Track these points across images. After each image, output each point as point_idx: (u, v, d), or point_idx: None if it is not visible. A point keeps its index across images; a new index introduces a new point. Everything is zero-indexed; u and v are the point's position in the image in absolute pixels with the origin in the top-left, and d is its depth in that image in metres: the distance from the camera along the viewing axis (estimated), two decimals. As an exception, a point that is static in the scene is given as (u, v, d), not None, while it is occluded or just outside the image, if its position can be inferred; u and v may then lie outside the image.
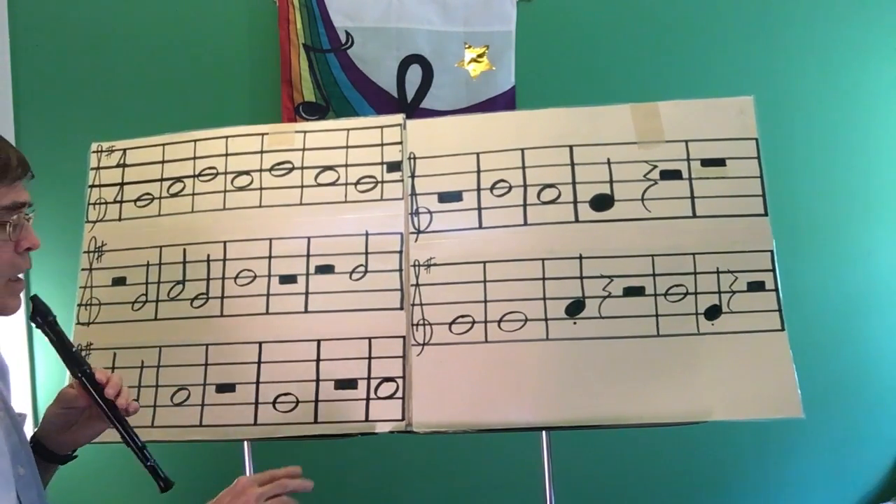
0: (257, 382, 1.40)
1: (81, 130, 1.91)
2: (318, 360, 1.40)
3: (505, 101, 2.05)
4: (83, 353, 1.43)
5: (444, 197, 1.45)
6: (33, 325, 1.10)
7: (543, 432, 1.46)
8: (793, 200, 2.11)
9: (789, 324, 1.35)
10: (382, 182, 1.47)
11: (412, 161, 1.48)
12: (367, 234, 1.45)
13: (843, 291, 2.15)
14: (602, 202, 1.42)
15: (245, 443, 1.49)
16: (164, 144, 1.55)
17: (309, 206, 1.47)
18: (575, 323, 1.37)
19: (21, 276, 1.03)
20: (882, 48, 2.16)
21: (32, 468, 1.06)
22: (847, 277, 2.15)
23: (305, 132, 1.53)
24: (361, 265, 1.43)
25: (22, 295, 1.04)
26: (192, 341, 1.43)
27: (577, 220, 1.41)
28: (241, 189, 1.50)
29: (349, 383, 1.38)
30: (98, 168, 1.56)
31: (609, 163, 1.43)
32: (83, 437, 1.16)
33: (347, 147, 1.51)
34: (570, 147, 1.45)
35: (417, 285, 1.41)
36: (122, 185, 1.54)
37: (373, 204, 1.46)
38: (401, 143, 1.49)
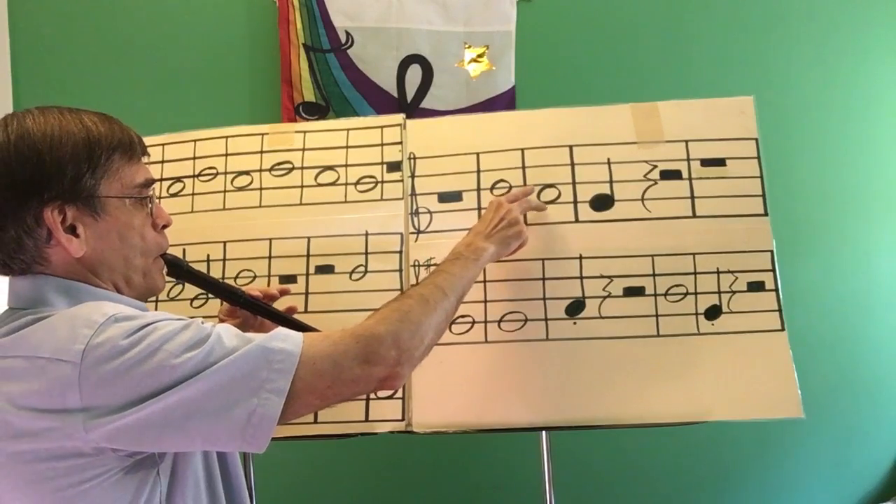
0: (257, 382, 1.39)
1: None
2: (318, 360, 1.39)
3: (505, 101, 2.05)
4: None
5: (444, 197, 1.45)
6: (174, 279, 1.12)
7: (543, 432, 1.46)
8: (793, 200, 2.11)
9: (789, 324, 1.35)
10: (382, 182, 1.47)
11: (412, 161, 1.48)
12: (367, 234, 1.45)
13: (843, 291, 2.15)
14: (602, 202, 1.42)
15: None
16: (163, 144, 1.54)
17: (309, 206, 1.47)
18: (575, 323, 1.37)
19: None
20: (882, 48, 2.16)
21: None
22: (847, 277, 2.15)
23: (305, 132, 1.53)
24: (361, 265, 1.43)
25: None
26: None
27: (577, 220, 1.41)
28: (240, 189, 1.50)
29: (349, 383, 1.37)
30: (98, 168, 1.56)
31: (609, 163, 1.43)
32: None
33: (347, 147, 1.50)
34: (570, 147, 1.44)
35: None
36: (121, 185, 1.54)
37: (373, 204, 1.46)
38: (401, 143, 1.49)
